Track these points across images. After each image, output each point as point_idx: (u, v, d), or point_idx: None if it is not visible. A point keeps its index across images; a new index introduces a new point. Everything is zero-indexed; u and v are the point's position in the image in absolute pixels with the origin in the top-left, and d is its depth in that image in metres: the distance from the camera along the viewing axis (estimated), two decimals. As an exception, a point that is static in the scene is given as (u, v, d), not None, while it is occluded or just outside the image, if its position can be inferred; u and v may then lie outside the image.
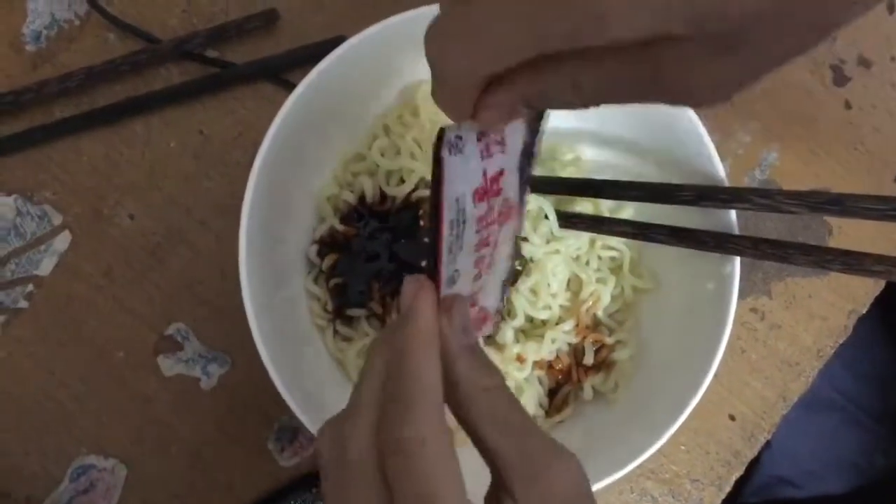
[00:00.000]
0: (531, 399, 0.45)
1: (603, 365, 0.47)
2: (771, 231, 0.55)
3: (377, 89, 0.46)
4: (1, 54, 0.49)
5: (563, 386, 0.47)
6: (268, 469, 0.48)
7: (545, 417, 0.46)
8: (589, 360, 0.46)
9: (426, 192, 0.45)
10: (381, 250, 0.45)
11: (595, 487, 0.39)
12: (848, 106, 0.58)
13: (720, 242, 0.42)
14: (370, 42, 0.41)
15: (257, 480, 0.48)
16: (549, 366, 0.46)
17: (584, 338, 0.46)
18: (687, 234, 0.44)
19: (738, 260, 0.43)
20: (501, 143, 0.25)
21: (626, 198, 0.46)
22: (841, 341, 0.56)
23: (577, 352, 0.47)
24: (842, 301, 0.56)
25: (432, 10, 0.41)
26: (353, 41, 0.41)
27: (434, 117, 0.45)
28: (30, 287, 0.47)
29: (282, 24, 0.52)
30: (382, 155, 0.46)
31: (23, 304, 0.47)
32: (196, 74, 0.50)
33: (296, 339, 0.43)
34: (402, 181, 0.45)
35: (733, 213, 0.43)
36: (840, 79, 0.58)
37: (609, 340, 0.47)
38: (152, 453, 0.48)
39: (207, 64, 0.51)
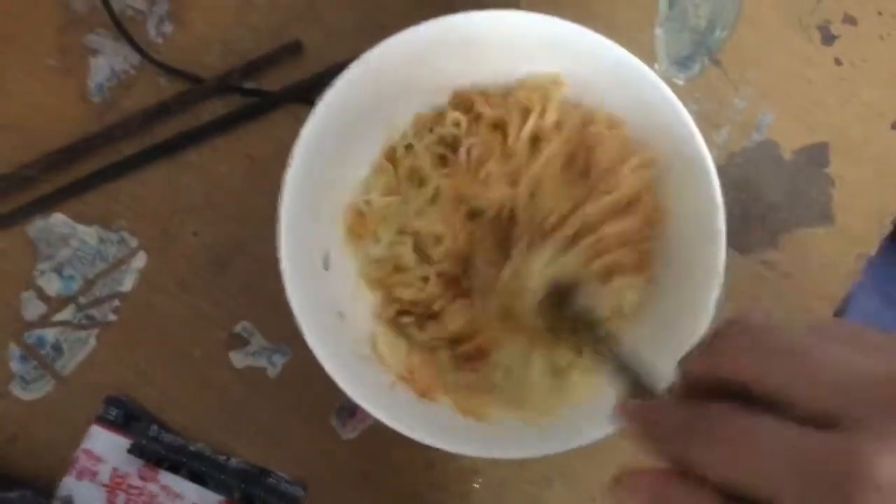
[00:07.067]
0: None
1: None
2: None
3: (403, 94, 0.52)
4: (73, 106, 0.57)
5: None
6: (331, 442, 0.54)
7: None
8: None
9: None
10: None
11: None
12: (838, 63, 0.61)
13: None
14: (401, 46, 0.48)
15: (322, 453, 0.54)
16: None
17: None
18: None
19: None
20: None
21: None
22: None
23: None
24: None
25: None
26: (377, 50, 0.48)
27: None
28: (116, 302, 0.55)
29: (306, 52, 0.58)
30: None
31: (111, 317, 0.55)
32: (237, 105, 0.58)
33: (341, 327, 0.49)
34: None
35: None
36: (828, 38, 0.61)
37: None
38: (234, 437, 0.55)
39: (246, 94, 0.58)
